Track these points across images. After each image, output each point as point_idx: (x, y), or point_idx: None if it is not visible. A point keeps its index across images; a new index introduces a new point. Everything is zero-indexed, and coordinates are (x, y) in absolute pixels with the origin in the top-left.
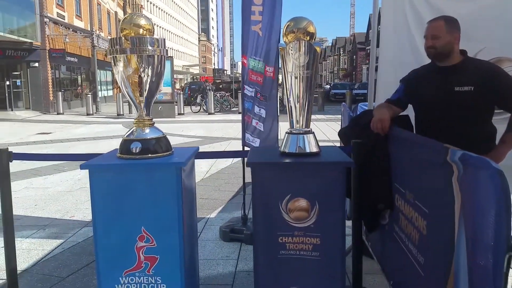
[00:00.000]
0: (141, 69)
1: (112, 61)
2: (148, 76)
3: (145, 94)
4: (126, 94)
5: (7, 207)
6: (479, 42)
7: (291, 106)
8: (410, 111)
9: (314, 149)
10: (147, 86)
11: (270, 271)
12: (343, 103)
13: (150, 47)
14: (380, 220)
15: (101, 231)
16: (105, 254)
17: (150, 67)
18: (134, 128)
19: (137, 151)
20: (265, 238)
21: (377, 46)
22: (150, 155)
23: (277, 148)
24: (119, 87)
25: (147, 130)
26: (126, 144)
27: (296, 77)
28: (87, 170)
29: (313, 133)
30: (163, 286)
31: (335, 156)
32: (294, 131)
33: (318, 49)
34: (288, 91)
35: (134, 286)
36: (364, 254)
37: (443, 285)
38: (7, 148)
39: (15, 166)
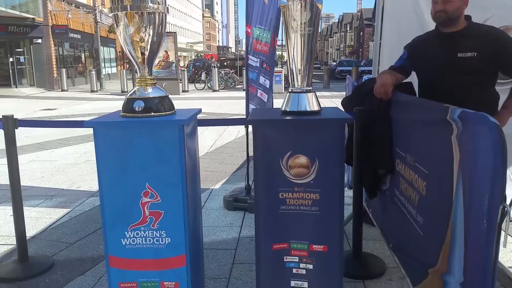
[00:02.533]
0: (143, 28)
1: (114, 20)
2: (149, 35)
3: (146, 53)
4: (128, 53)
5: (14, 174)
6: (487, 10)
7: (292, 65)
8: (414, 79)
9: (315, 108)
10: (149, 45)
11: (270, 226)
12: (348, 76)
13: (150, 4)
14: (380, 185)
15: (107, 187)
16: (110, 210)
17: (151, 26)
18: (137, 87)
19: (140, 109)
20: (266, 194)
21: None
22: (152, 113)
23: (278, 108)
24: (123, 63)
25: (149, 90)
26: (129, 103)
27: (297, 35)
28: (93, 144)
29: (314, 92)
30: (168, 240)
31: (335, 114)
32: (296, 90)
33: (320, 6)
34: (289, 49)
35: (139, 240)
36: (364, 222)
37: (441, 241)
38: (12, 115)
39: (21, 140)
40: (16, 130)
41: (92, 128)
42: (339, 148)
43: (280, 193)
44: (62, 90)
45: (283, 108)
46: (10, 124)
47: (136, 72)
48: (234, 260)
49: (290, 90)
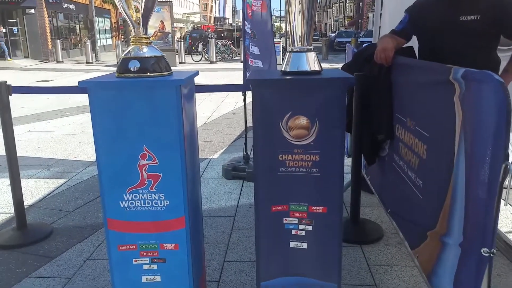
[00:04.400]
0: None
1: None
2: None
3: (141, 10)
4: (122, 11)
5: (9, 141)
6: None
7: (292, 23)
8: (415, 44)
9: (316, 67)
10: (143, 2)
11: (270, 188)
12: (348, 44)
13: None
14: (379, 152)
15: (103, 150)
16: (108, 173)
17: None
18: (132, 47)
19: (135, 69)
20: (265, 157)
21: None
22: (148, 73)
23: (278, 70)
24: (118, 34)
25: (145, 49)
26: (124, 63)
27: None
28: (89, 115)
29: (315, 51)
30: (167, 202)
31: (337, 74)
32: (295, 49)
33: None
34: (289, 9)
35: (138, 202)
36: (362, 190)
37: (441, 203)
38: (6, 81)
39: (16, 111)
40: (10, 99)
41: (88, 97)
42: (340, 109)
43: (279, 155)
44: (57, 62)
45: (283, 68)
46: (4, 90)
47: (131, 32)
48: (233, 226)
49: (289, 50)
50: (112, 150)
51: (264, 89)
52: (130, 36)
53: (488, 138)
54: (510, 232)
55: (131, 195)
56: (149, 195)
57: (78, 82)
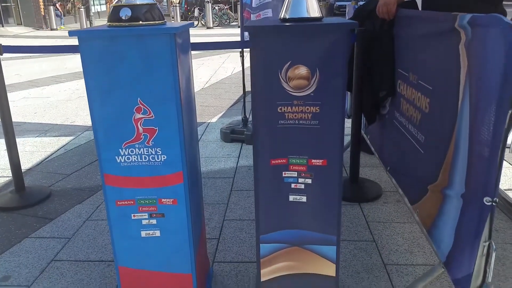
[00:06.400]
0: None
1: None
2: None
3: None
4: None
5: (3, 103)
6: None
7: None
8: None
9: (317, 14)
10: None
11: (269, 141)
12: (349, 3)
13: None
14: (380, 110)
15: (97, 103)
16: (103, 127)
17: None
18: None
19: (127, 18)
20: (264, 109)
21: None
22: (141, 22)
23: (277, 18)
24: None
25: None
26: (115, 12)
27: None
28: (84, 82)
29: None
30: (164, 157)
31: (338, 20)
32: None
33: None
34: None
35: (134, 157)
36: (362, 151)
37: (443, 156)
38: None
39: (11, 78)
40: (4, 66)
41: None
42: (341, 57)
43: (278, 107)
44: (52, 29)
45: (282, 16)
46: None
47: None
48: (232, 187)
49: None
50: (106, 104)
51: (262, 37)
52: None
53: (495, 83)
54: (509, 190)
55: (127, 149)
56: (146, 149)
57: (69, 32)
